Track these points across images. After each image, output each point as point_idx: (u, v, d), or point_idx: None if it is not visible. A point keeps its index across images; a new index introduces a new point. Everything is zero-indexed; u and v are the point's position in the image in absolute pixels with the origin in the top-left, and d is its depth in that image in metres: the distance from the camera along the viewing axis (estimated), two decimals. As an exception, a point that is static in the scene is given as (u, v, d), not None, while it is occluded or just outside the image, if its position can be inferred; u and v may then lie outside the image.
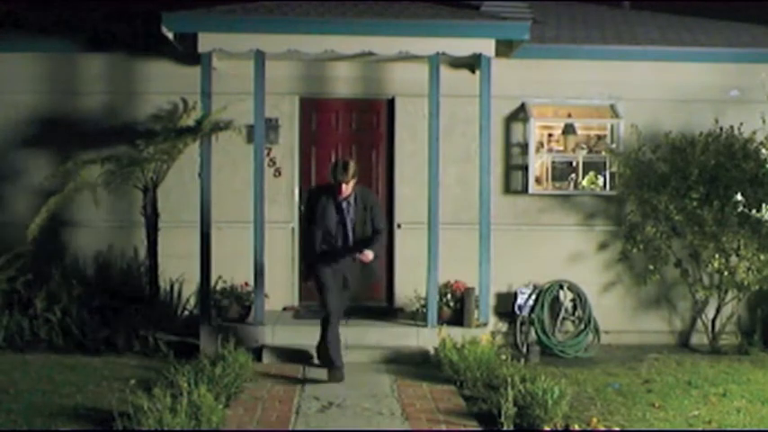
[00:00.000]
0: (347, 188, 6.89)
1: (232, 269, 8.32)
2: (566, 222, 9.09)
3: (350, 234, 6.97)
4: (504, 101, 8.95)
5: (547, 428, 5.53)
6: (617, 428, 5.69)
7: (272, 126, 8.85)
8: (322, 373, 7.04)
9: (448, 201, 8.61)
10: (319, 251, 7.01)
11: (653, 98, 9.09)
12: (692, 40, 9.42)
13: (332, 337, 7.03)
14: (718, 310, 8.73)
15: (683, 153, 8.52)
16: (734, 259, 8.39)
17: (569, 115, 9.22)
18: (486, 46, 8.11)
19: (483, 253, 8.16)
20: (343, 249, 6.99)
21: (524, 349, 8.36)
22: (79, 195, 8.23)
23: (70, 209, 8.64)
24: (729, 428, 5.93)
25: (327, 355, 7.06)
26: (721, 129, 8.63)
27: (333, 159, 7.28)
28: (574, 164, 9.16)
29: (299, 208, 8.96)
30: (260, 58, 8.02)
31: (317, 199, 7.03)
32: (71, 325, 7.89)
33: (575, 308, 8.72)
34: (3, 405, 6.14)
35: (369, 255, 6.89)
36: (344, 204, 6.96)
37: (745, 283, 8.35)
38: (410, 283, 8.60)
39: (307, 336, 7.91)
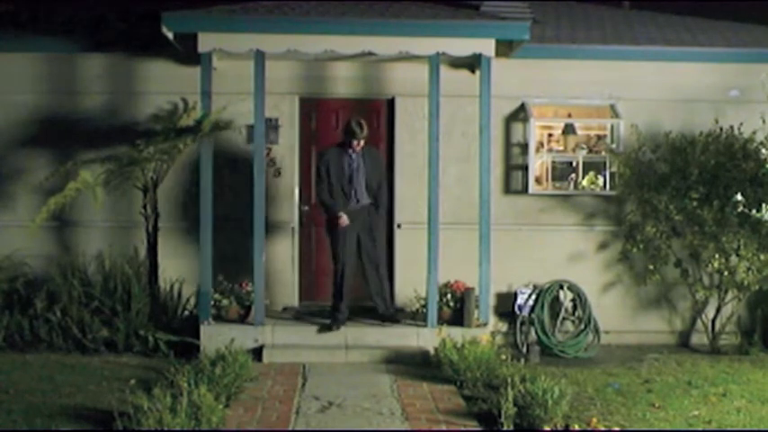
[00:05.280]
0: (358, 145, 7.98)
1: (232, 269, 8.32)
2: (566, 222, 9.09)
3: (360, 188, 8.01)
4: (504, 101, 8.95)
5: (547, 428, 5.53)
6: (617, 428, 5.69)
7: (272, 126, 8.84)
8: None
9: (448, 201, 8.62)
10: (334, 202, 7.96)
11: (653, 98, 9.08)
12: (692, 40, 9.42)
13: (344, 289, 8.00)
14: (718, 310, 8.73)
15: (683, 153, 8.52)
16: (734, 259, 8.40)
17: (569, 115, 9.22)
18: (486, 46, 8.10)
19: (483, 253, 8.15)
20: (356, 205, 8.02)
21: (524, 349, 8.36)
22: (79, 195, 8.22)
23: (70, 209, 8.62)
24: (729, 428, 5.93)
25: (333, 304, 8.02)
26: (721, 129, 8.62)
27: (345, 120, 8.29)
28: (574, 164, 9.16)
29: (300, 208, 9.00)
30: (260, 58, 8.02)
31: (329, 158, 8.02)
32: (71, 325, 7.89)
33: (575, 308, 8.71)
34: (3, 405, 6.15)
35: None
36: (355, 160, 7.98)
37: (745, 283, 8.35)
38: (410, 283, 8.59)
39: (307, 336, 7.94)
